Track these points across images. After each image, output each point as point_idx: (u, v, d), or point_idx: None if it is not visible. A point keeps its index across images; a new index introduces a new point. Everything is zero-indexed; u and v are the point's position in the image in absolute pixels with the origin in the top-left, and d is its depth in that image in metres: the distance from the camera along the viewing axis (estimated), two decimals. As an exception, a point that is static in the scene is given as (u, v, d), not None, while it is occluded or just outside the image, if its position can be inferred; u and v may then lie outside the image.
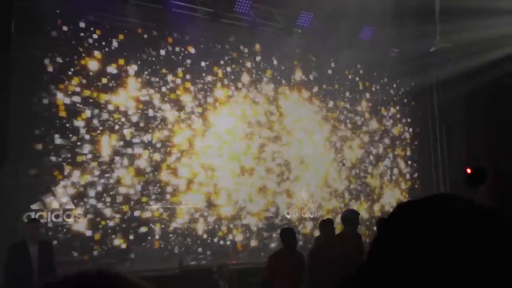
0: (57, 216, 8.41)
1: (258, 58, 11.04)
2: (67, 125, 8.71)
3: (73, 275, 0.57)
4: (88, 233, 8.67)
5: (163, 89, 9.77)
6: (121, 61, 9.39)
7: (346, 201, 11.65)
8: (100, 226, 8.80)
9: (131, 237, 9.05)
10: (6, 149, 7.69)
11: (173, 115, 9.79)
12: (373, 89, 12.65)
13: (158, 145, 9.55)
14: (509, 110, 10.49)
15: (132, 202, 9.15)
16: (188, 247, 9.53)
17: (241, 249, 10.16)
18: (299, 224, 10.91)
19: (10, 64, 7.94)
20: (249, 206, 10.36)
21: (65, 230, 8.49)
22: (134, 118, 9.39)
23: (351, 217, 6.55)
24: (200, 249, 9.57)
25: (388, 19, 10.65)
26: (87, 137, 8.88)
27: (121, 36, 9.43)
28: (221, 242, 9.99)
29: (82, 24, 9.05)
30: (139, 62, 9.55)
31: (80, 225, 8.62)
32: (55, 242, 8.00)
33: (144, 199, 9.27)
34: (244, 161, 10.44)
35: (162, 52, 9.87)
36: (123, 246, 8.94)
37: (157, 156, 9.50)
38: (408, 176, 12.92)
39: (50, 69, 8.71)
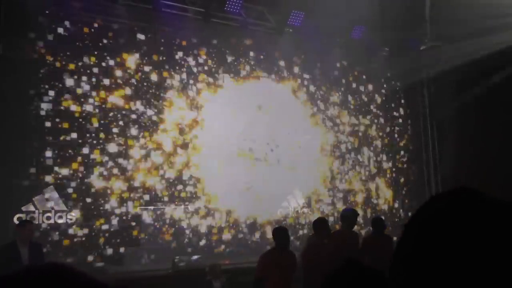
0: (48, 218, 8.35)
1: (249, 58, 11.03)
2: (59, 126, 8.65)
3: (23, 268, 0.58)
4: (80, 234, 8.62)
5: (157, 88, 9.74)
6: (111, 61, 9.35)
7: (336, 200, 11.69)
8: (92, 228, 8.75)
9: (123, 238, 9.01)
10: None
11: (165, 114, 9.77)
12: (364, 87, 12.69)
13: (151, 145, 9.52)
14: (499, 107, 10.56)
15: (125, 204, 9.12)
16: (181, 247, 9.51)
17: (233, 248, 10.16)
18: (293, 223, 10.93)
19: (-1, 65, 7.89)
20: (242, 205, 10.36)
21: (56, 231, 8.44)
22: (129, 118, 9.35)
23: (348, 215, 6.60)
24: (192, 249, 9.54)
25: (379, 17, 10.69)
26: (80, 137, 8.83)
27: (111, 36, 9.39)
28: (214, 242, 9.98)
29: (72, 25, 8.98)
30: (130, 62, 9.52)
31: (72, 226, 8.56)
32: (46, 243, 7.95)
33: (137, 200, 9.25)
34: (238, 159, 10.44)
35: (154, 51, 9.83)
36: (115, 247, 8.90)
37: (151, 157, 9.48)
38: (399, 173, 12.96)
39: (41, 69, 8.64)
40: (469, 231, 0.63)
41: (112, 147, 9.12)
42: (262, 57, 11.18)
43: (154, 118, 9.64)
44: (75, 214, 8.58)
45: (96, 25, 9.25)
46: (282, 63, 11.44)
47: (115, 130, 9.20)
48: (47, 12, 8.75)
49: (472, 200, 0.68)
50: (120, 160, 9.18)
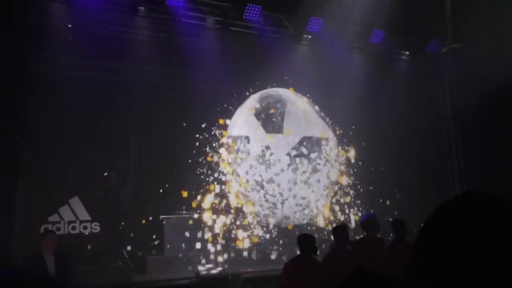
0: (73, 228, 8.47)
1: (268, 66, 11.01)
2: (83, 135, 8.78)
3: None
4: (105, 243, 8.70)
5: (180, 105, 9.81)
6: (134, 72, 9.47)
7: (356, 205, 11.57)
8: (116, 237, 8.83)
9: (147, 246, 9.06)
10: (20, 162, 7.80)
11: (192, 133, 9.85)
12: (385, 91, 12.50)
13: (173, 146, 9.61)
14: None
15: (148, 212, 9.18)
16: (204, 255, 9.51)
17: (256, 257, 10.11)
18: (315, 230, 10.85)
19: (24, 80, 8.06)
20: (265, 215, 10.34)
21: (81, 241, 8.54)
22: (148, 128, 9.47)
23: (369, 221, 6.39)
24: (215, 257, 9.53)
25: (398, 21, 10.57)
26: (101, 146, 8.95)
27: (133, 47, 9.48)
28: (237, 250, 9.95)
29: (93, 38, 9.11)
30: (147, 73, 9.63)
31: (96, 236, 8.66)
32: (71, 253, 8.04)
33: (159, 209, 9.31)
34: (260, 167, 10.45)
35: (173, 61, 9.90)
36: (139, 255, 8.95)
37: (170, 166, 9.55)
38: (422, 178, 12.72)
39: (64, 82, 8.76)
40: (489, 234, 0.61)
41: (133, 156, 9.22)
42: (280, 64, 11.15)
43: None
44: (99, 224, 8.68)
45: (116, 37, 9.34)
46: (298, 70, 11.33)
47: (134, 138, 9.31)
48: (69, 26, 8.88)
49: (483, 203, 0.66)
50: (139, 169, 9.27)
